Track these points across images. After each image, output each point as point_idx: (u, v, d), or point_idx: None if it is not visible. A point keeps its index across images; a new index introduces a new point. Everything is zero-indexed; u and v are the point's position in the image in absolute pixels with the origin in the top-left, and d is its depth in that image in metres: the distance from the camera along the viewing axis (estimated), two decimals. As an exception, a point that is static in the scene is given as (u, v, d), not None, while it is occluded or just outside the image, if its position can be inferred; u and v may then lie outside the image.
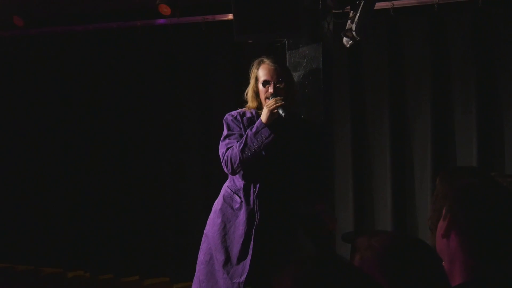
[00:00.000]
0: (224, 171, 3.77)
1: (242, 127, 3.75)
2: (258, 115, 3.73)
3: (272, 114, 3.59)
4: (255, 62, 3.85)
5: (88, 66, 6.05)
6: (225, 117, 3.83)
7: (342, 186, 5.34)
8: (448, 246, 1.77)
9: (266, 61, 3.80)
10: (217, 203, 3.88)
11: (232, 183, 3.81)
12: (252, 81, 3.82)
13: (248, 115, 3.81)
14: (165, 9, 5.23)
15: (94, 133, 6.05)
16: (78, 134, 6.10)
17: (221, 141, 3.77)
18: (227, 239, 3.72)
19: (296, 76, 4.21)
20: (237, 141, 3.68)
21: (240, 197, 3.73)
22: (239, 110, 3.87)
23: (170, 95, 5.85)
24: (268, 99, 3.68)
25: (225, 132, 3.79)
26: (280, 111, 3.57)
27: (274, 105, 3.58)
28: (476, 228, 1.73)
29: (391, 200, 5.16)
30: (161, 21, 5.64)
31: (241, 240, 3.67)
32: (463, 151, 4.98)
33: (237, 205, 3.74)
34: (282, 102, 3.61)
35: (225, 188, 3.87)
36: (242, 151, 3.59)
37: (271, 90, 3.70)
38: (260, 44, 5.12)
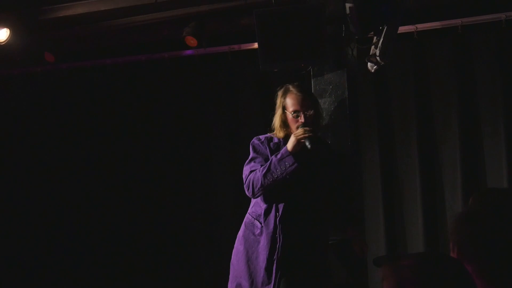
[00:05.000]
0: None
1: (268, 152, 3.77)
2: (286, 142, 3.76)
3: (298, 143, 3.60)
4: (281, 91, 3.85)
5: (119, 97, 6.15)
6: (252, 141, 3.87)
7: (373, 211, 5.31)
8: None
9: (293, 89, 3.79)
10: (240, 230, 3.91)
11: (254, 209, 3.84)
12: (279, 111, 3.82)
13: (275, 140, 3.83)
14: (191, 41, 5.32)
15: (122, 165, 6.13)
16: (105, 167, 6.18)
17: (246, 164, 3.81)
18: (250, 265, 3.73)
19: (322, 103, 4.24)
20: (261, 165, 3.70)
21: (260, 223, 3.75)
22: (267, 134, 3.89)
23: (198, 124, 5.92)
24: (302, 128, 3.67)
25: (251, 155, 3.82)
26: (307, 143, 3.57)
27: (302, 136, 3.59)
28: (484, 254, 1.74)
29: (422, 224, 5.12)
30: (188, 52, 5.73)
31: (263, 266, 3.68)
32: (492, 172, 4.95)
33: (258, 231, 3.75)
34: (311, 134, 3.61)
35: (247, 215, 3.90)
36: (265, 176, 3.61)
37: (302, 119, 3.70)
38: (286, 72, 5.17)
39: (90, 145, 6.26)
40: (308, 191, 3.80)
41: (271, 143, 3.81)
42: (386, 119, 5.32)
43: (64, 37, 5.89)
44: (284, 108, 3.79)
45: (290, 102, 3.76)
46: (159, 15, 5.44)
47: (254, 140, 3.85)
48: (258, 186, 3.64)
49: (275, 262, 3.66)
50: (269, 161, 3.65)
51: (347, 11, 4.12)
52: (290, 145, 3.63)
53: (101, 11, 5.43)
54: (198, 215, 5.95)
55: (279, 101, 3.83)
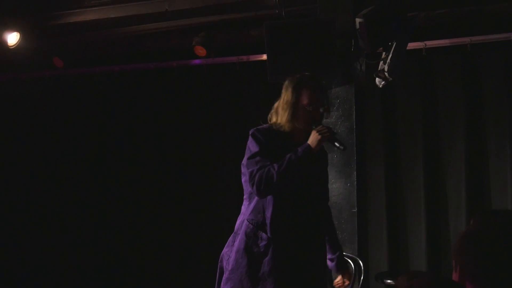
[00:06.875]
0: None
1: (273, 145, 3.43)
2: (292, 136, 3.47)
3: (321, 142, 3.35)
4: (294, 80, 3.49)
5: (126, 104, 6.17)
6: (252, 133, 3.47)
7: (377, 226, 5.30)
8: None
9: (311, 81, 3.48)
10: (239, 241, 3.54)
11: (254, 217, 3.50)
12: (290, 101, 3.44)
13: (279, 133, 3.48)
14: (200, 51, 5.35)
15: (131, 172, 6.14)
16: (114, 175, 6.20)
17: (249, 158, 3.42)
18: (260, 281, 3.44)
19: (329, 116, 4.20)
20: (265, 160, 3.37)
21: (266, 233, 3.46)
22: (264, 126, 3.53)
23: (205, 133, 5.93)
24: (313, 124, 3.39)
25: (254, 148, 3.42)
26: (337, 144, 3.36)
27: (328, 135, 3.36)
28: (487, 274, 1.74)
29: (425, 240, 5.12)
30: (196, 61, 5.74)
31: (274, 280, 3.41)
32: (497, 192, 4.94)
33: (264, 242, 3.46)
34: (335, 133, 3.41)
35: (246, 224, 3.52)
36: (282, 173, 3.31)
37: (316, 115, 3.40)
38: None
39: (97, 150, 6.28)
40: (312, 198, 3.66)
41: (275, 136, 3.46)
42: (393, 134, 5.32)
43: (74, 42, 5.93)
44: (298, 96, 3.44)
45: (306, 94, 3.43)
46: (169, 24, 5.47)
47: (256, 133, 3.45)
48: (272, 183, 3.31)
49: (287, 273, 3.50)
50: (287, 159, 3.34)
51: (357, 26, 4.13)
52: (314, 143, 3.35)
53: (111, 18, 5.46)
54: (203, 219, 5.97)
55: (291, 91, 3.47)
